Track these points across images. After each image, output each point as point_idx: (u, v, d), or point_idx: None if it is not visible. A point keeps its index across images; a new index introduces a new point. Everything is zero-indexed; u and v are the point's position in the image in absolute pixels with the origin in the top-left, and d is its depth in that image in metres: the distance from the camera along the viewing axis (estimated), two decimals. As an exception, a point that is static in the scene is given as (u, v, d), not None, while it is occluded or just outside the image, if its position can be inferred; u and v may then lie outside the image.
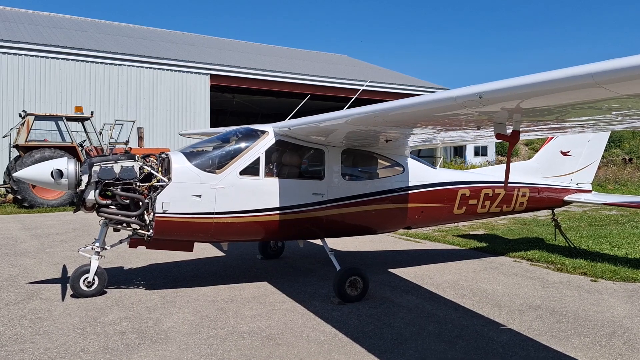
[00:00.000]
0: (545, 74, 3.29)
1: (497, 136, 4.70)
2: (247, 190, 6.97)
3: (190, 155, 7.08)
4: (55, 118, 18.88)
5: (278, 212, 7.13)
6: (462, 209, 8.70)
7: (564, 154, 10.16)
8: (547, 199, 9.81)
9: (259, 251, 9.63)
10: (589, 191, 10.31)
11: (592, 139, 10.33)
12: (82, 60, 25.23)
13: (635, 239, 11.55)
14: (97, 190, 6.57)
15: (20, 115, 19.04)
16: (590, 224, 14.63)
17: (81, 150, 18.24)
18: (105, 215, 6.71)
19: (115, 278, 7.75)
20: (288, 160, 7.45)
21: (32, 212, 16.69)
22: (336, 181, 7.53)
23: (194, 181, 6.73)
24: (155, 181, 6.73)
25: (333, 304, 6.69)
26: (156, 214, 6.54)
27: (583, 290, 7.58)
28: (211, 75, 28.78)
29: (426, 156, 32.17)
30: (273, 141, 7.22)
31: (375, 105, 5.34)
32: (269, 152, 7.18)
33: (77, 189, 6.60)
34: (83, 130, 19.85)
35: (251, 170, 7.02)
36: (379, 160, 8.16)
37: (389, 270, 8.76)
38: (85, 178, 6.52)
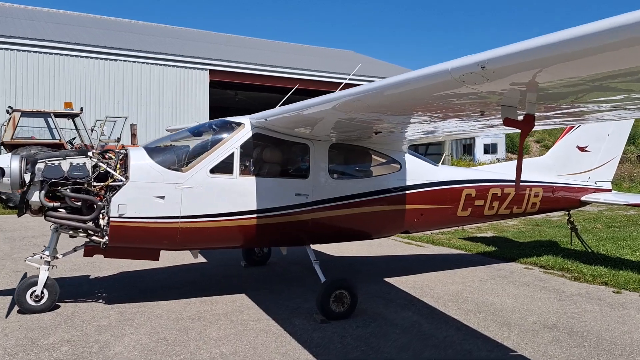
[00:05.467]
0: (573, 29, 2.33)
1: (506, 122, 3.70)
2: (219, 191, 6.08)
3: (153, 150, 6.20)
4: (43, 114, 18.12)
5: (255, 215, 6.24)
6: (467, 210, 7.76)
7: (581, 149, 9.17)
8: (562, 199, 8.82)
9: (243, 257, 8.75)
10: (609, 190, 9.31)
11: (612, 133, 9.32)
12: (76, 56, 24.45)
13: (658, 243, 10.54)
14: (43, 191, 5.71)
15: (7, 112, 18.30)
16: (607, 225, 13.60)
17: (70, 148, 17.47)
18: (54, 220, 5.85)
19: (76, 289, 6.91)
20: (267, 156, 6.57)
21: (16, 213, 15.90)
22: (323, 180, 6.63)
23: (155, 180, 5.84)
24: (112, 180, 5.86)
25: (316, 322, 5.78)
26: (111, 218, 5.68)
27: (605, 304, 6.63)
28: (210, 70, 27.89)
29: (434, 154, 31.12)
30: (249, 134, 6.32)
31: (361, 86, 4.42)
32: (244, 147, 6.29)
33: (24, 190, 5.76)
34: (74, 127, 19.08)
35: (223, 167, 6.13)
36: (373, 157, 7.24)
37: (385, 279, 7.84)
38: (27, 177, 5.67)
